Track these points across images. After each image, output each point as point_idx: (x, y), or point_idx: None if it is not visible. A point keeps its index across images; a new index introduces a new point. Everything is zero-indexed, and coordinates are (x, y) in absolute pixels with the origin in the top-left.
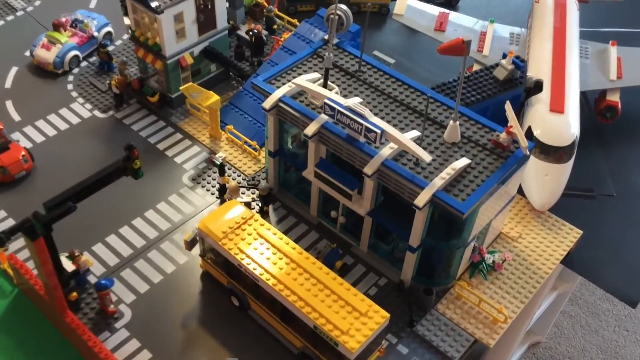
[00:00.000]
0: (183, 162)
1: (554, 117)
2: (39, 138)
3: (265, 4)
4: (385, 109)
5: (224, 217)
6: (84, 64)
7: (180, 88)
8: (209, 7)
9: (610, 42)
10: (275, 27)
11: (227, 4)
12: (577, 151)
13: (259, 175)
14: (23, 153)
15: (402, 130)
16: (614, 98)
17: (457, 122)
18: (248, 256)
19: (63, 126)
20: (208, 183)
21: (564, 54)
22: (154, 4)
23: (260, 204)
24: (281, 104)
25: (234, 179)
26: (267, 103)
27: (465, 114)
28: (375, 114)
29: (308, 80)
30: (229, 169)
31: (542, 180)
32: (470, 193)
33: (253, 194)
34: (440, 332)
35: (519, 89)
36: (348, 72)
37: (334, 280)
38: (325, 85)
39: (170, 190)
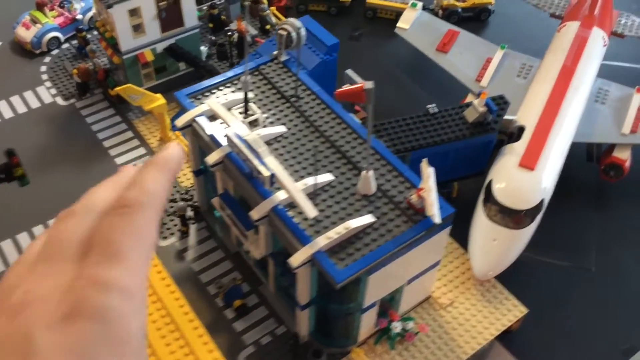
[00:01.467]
0: (123, 164)
1: (520, 173)
2: None
3: (265, 1)
4: (307, 145)
5: None
6: (65, 45)
7: (117, 89)
8: (174, 3)
9: (637, 87)
10: (268, 27)
11: None
12: (565, 210)
13: (194, 190)
14: None
15: (317, 172)
16: (623, 155)
17: (370, 173)
18: None
19: (21, 109)
20: None
21: (562, 98)
22: None
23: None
24: (195, 125)
25: (171, 194)
26: (180, 121)
27: (391, 162)
28: (296, 148)
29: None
30: None
31: (489, 245)
32: (357, 259)
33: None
34: None
35: (490, 135)
36: (284, 95)
37: (194, 330)
38: (245, 111)
39: None
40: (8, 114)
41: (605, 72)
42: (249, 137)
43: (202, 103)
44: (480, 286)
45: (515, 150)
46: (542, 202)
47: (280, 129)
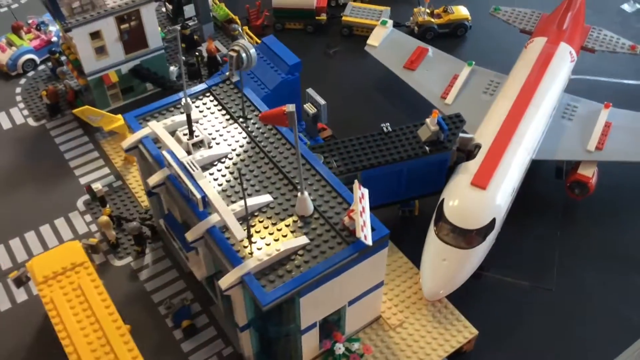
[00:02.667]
0: (86, 183)
1: (472, 192)
2: None
3: (238, 21)
4: (250, 166)
5: (56, 259)
6: (42, 67)
7: (74, 111)
8: (137, 25)
9: (605, 103)
10: None
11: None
12: (528, 227)
13: None
14: None
15: (257, 193)
16: (588, 172)
17: (306, 195)
18: (56, 308)
19: None
20: (100, 211)
21: (520, 115)
22: (67, 21)
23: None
24: (141, 147)
25: (130, 213)
26: (125, 143)
27: (330, 182)
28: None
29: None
30: (127, 197)
31: (439, 265)
32: (287, 281)
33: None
34: None
35: (444, 154)
36: (233, 116)
37: (129, 352)
38: (190, 132)
39: (60, 212)
40: None
41: (576, 87)
42: (184, 160)
43: (157, 118)
44: (431, 306)
45: (468, 169)
46: (493, 221)
47: (225, 149)
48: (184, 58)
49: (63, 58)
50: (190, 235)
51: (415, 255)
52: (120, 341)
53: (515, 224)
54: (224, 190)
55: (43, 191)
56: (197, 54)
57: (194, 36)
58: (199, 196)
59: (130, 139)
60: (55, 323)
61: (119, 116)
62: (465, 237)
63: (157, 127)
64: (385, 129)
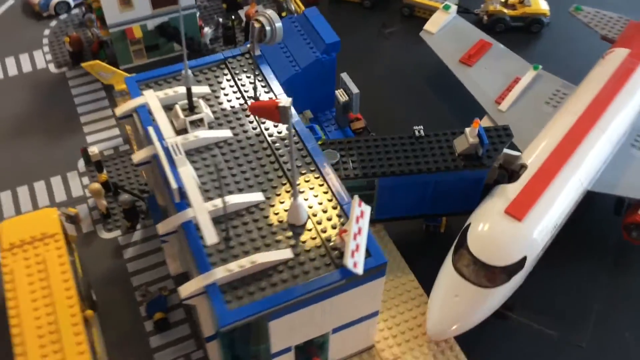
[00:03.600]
0: (92, 143)
1: (504, 222)
2: None
3: None
4: (250, 155)
5: (28, 225)
6: (75, 11)
7: (83, 65)
8: None
9: None
10: (284, 14)
11: None
12: (570, 267)
13: None
14: None
15: (249, 189)
16: None
17: (299, 201)
18: (14, 282)
19: (12, 72)
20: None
21: (582, 137)
22: None
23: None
24: (135, 117)
25: (130, 183)
26: (119, 110)
27: (334, 190)
28: (236, 158)
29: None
30: (130, 164)
31: (449, 300)
32: (256, 300)
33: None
34: None
35: (479, 172)
36: (244, 95)
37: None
38: (190, 108)
39: (58, 170)
40: None
41: None
42: (169, 140)
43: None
44: (434, 346)
45: (506, 193)
46: (523, 260)
47: (226, 133)
48: (220, 20)
49: None
50: (162, 227)
51: (429, 281)
52: (70, 331)
53: (554, 259)
54: (213, 181)
55: (46, 144)
56: (233, 17)
57: None
58: (174, 186)
59: (125, 106)
60: (8, 298)
61: (125, 74)
62: (487, 274)
63: (151, 97)
64: (417, 133)
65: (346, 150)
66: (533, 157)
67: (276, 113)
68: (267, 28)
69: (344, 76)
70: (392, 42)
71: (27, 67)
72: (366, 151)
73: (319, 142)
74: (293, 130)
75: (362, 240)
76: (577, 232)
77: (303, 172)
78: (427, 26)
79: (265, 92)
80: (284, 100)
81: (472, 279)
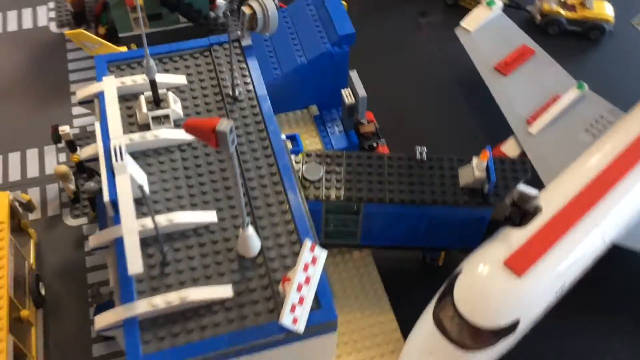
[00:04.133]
0: (77, 116)
1: (500, 275)
2: None
3: None
4: (213, 164)
5: None
6: None
7: (66, 33)
8: None
9: None
10: None
11: None
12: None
13: None
14: None
15: (204, 205)
16: None
17: (249, 232)
18: None
19: (12, 27)
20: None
21: (614, 181)
22: None
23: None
24: (95, 103)
25: None
26: (80, 93)
27: (297, 221)
28: (197, 166)
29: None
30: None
31: (421, 358)
32: (177, 345)
33: None
34: None
35: (481, 211)
36: (222, 92)
37: None
38: (156, 102)
39: (35, 142)
40: None
41: None
42: (113, 141)
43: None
44: None
45: (509, 239)
46: (515, 323)
47: (189, 135)
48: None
49: None
50: (93, 239)
51: (412, 323)
52: None
53: (563, 319)
54: (165, 190)
55: (29, 111)
56: None
57: None
58: (106, 198)
59: (85, 90)
60: None
61: (122, 49)
62: (469, 333)
63: (110, 84)
64: (418, 154)
65: (332, 165)
66: (551, 198)
67: (212, 137)
68: (259, 16)
69: (353, 75)
70: (427, 35)
71: (27, 23)
72: (355, 169)
73: (300, 155)
74: (235, 157)
75: (309, 292)
76: (596, 287)
77: (267, 193)
78: (465, 22)
79: (247, 91)
80: (224, 123)
81: (452, 335)
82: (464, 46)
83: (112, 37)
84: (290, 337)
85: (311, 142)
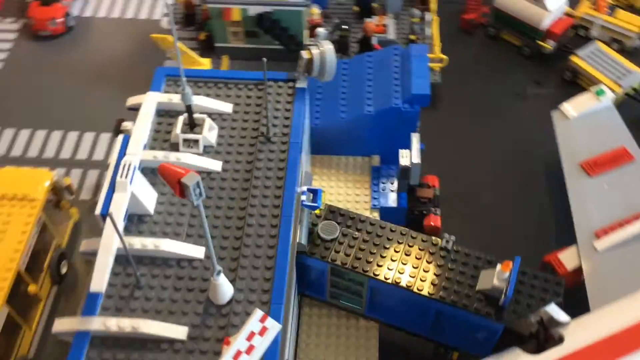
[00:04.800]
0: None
1: None
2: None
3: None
4: (222, 200)
5: (18, 180)
6: None
7: (152, 35)
8: None
9: None
10: (413, 37)
11: None
12: None
13: None
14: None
15: (198, 239)
16: None
17: (219, 279)
18: None
19: (129, 14)
20: None
21: None
22: None
23: None
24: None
25: None
26: (130, 100)
27: (274, 282)
28: (209, 198)
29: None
30: None
31: None
32: None
33: None
34: None
35: (491, 323)
36: (261, 130)
37: None
38: (191, 125)
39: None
40: (115, 13)
41: None
42: (126, 158)
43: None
44: None
45: None
46: None
47: (214, 165)
48: (341, 24)
49: None
50: (85, 244)
51: None
52: None
53: None
54: (169, 214)
55: (112, 96)
56: (346, 26)
57: (372, 2)
58: (97, 212)
59: (136, 98)
60: None
61: (205, 61)
62: None
63: (150, 99)
64: (444, 242)
65: (352, 228)
66: (579, 332)
67: (177, 187)
68: (316, 63)
69: (414, 138)
70: (529, 106)
71: (143, 14)
72: (372, 239)
73: (316, 212)
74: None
75: None
76: None
77: (259, 245)
78: (566, 106)
79: (283, 134)
80: (190, 177)
81: None
82: (555, 130)
83: (209, 44)
84: None
85: (361, 192)
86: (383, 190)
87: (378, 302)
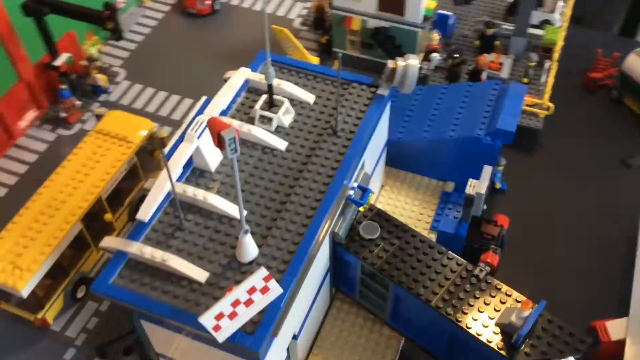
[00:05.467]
0: None
1: None
2: None
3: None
4: (276, 175)
5: (125, 124)
6: None
7: (273, 26)
8: None
9: None
10: (525, 80)
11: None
12: None
13: None
14: None
15: (245, 203)
16: None
17: (245, 238)
18: (68, 163)
19: (270, 9)
20: None
21: None
22: None
23: None
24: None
25: None
26: (228, 74)
27: (295, 256)
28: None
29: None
30: None
31: None
32: (135, 291)
33: None
34: None
35: (497, 355)
36: (332, 123)
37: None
38: (270, 104)
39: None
40: (256, 6)
41: None
42: (201, 116)
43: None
44: None
45: None
46: None
47: (279, 143)
48: (455, 53)
49: None
50: (148, 182)
51: None
52: (41, 242)
53: None
54: (228, 176)
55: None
56: (456, 55)
57: (495, 40)
58: (164, 152)
59: (232, 73)
60: (56, 172)
61: (314, 59)
62: None
63: (240, 73)
64: (478, 270)
65: (392, 235)
66: None
67: (216, 137)
68: (398, 73)
69: (485, 170)
70: (630, 176)
71: (282, 11)
72: (408, 249)
73: (360, 209)
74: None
75: (246, 314)
76: None
77: (293, 220)
78: None
79: (350, 132)
80: (229, 132)
81: None
82: None
83: (328, 48)
84: (212, 340)
85: (425, 213)
86: (447, 215)
87: (401, 313)
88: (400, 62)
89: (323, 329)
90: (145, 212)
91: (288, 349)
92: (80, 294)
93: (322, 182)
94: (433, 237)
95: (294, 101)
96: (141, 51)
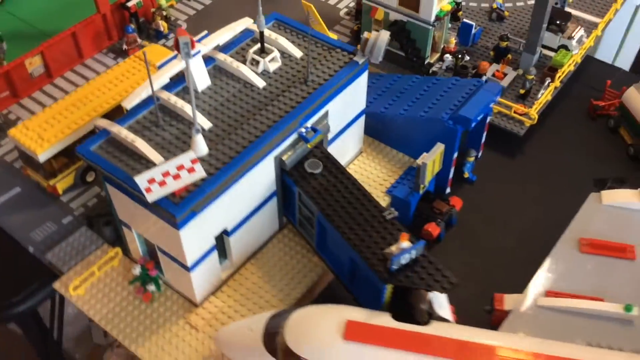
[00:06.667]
0: None
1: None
2: None
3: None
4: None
5: (157, 53)
6: None
7: (302, 1)
8: None
9: None
10: (522, 91)
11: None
12: None
13: None
14: None
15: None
16: None
17: (197, 137)
18: (110, 71)
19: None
20: None
21: None
22: None
23: None
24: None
25: None
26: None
27: (239, 152)
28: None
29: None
30: None
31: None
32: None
33: None
34: None
35: (378, 281)
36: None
37: None
38: (261, 50)
39: None
40: None
41: None
42: (202, 48)
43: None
44: None
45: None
46: None
47: (258, 82)
48: (466, 57)
49: None
50: None
51: None
52: (64, 125)
53: None
54: (210, 97)
55: None
56: (460, 56)
57: (508, 53)
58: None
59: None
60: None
61: (333, 35)
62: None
63: (241, 21)
64: (387, 212)
65: (333, 175)
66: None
67: (175, 41)
68: (369, 43)
69: (437, 146)
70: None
71: (333, 0)
72: (340, 186)
73: (308, 145)
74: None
75: (172, 185)
76: None
77: (244, 137)
78: (606, 193)
79: (318, 85)
80: (184, 38)
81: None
82: (581, 209)
83: (357, 35)
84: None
85: (388, 179)
86: (403, 184)
87: (323, 240)
88: (373, 34)
89: (266, 247)
90: (129, 102)
91: (218, 240)
92: (89, 179)
93: (279, 115)
94: (387, 199)
95: (285, 54)
96: (206, 12)
